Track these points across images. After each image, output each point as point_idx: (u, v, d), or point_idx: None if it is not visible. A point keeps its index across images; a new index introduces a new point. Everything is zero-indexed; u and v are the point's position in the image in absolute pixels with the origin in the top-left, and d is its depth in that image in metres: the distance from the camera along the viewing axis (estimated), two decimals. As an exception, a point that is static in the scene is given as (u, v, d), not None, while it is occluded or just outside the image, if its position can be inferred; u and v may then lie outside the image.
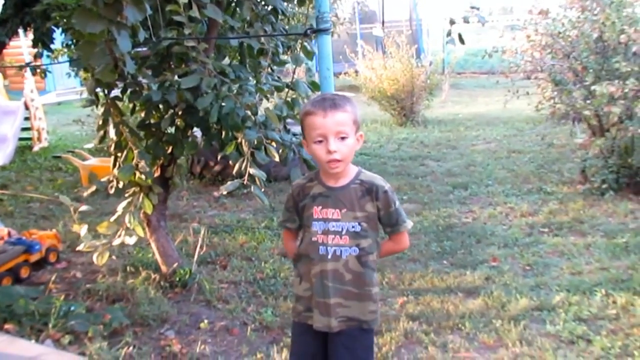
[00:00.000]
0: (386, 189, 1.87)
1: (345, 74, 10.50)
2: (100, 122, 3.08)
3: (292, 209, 1.96)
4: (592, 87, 4.64)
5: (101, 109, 3.04)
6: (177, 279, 3.44)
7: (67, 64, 5.69)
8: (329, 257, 1.84)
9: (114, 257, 3.75)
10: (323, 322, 1.86)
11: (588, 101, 4.77)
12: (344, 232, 1.83)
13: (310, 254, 1.88)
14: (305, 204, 1.89)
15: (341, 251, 1.84)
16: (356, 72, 10.43)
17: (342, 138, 1.77)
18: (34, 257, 3.78)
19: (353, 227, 1.83)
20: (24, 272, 3.68)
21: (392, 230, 1.92)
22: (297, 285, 1.95)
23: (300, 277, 1.93)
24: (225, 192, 2.67)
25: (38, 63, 5.20)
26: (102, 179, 3.26)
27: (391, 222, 1.90)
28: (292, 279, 1.97)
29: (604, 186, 4.90)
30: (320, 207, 1.85)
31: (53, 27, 4.34)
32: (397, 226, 1.91)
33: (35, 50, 4.62)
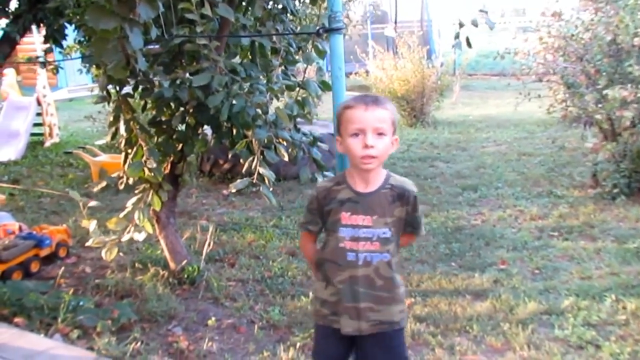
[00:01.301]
0: (415, 194, 1.88)
1: (356, 74, 10.49)
2: (112, 119, 3.10)
3: (315, 211, 1.90)
4: (605, 91, 4.60)
5: (113, 106, 3.05)
6: (186, 275, 3.46)
7: (79, 60, 5.74)
8: (360, 263, 1.82)
9: (122, 253, 3.79)
10: (353, 326, 1.86)
11: (600, 105, 4.73)
12: (374, 239, 1.82)
13: (337, 260, 1.85)
14: (332, 209, 1.85)
15: (372, 257, 1.82)
16: (367, 72, 10.41)
17: (380, 134, 1.76)
18: (44, 252, 3.81)
19: (384, 233, 1.82)
20: (34, 267, 3.71)
21: (412, 231, 1.94)
22: (322, 290, 1.92)
23: (326, 282, 1.90)
24: (234, 190, 2.67)
25: (50, 59, 5.24)
26: (113, 175, 3.29)
27: (413, 224, 1.92)
28: (316, 282, 1.94)
29: (615, 190, 4.85)
30: (349, 213, 1.82)
31: (66, 23, 4.37)
32: (417, 229, 1.95)
33: (47, 46, 4.65)
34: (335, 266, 1.86)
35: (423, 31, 14.02)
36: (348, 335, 1.88)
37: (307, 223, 1.94)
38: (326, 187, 1.87)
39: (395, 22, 15.88)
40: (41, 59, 5.57)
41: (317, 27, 2.07)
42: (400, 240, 1.95)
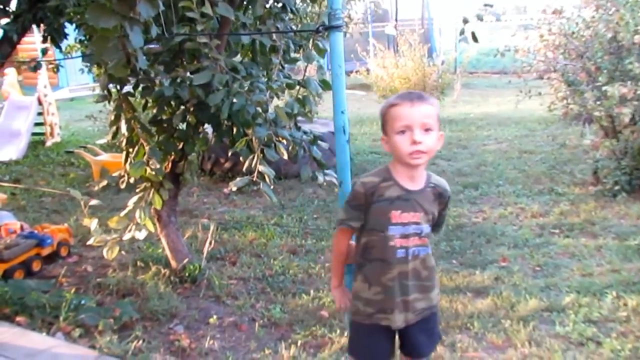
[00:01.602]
0: (450, 194, 1.93)
1: (357, 72, 10.49)
2: (113, 118, 3.10)
3: (361, 207, 1.83)
4: (604, 88, 4.60)
5: (113, 105, 3.06)
6: (187, 274, 3.46)
7: (80, 60, 5.74)
8: (410, 258, 1.83)
9: (124, 252, 3.79)
10: (402, 319, 1.88)
11: (599, 102, 4.73)
12: (422, 234, 1.84)
13: (386, 258, 1.83)
14: (381, 207, 1.80)
15: (419, 251, 1.85)
16: (368, 70, 10.42)
17: (427, 130, 1.75)
18: (46, 251, 3.82)
19: (427, 228, 1.86)
20: (36, 266, 3.72)
21: (434, 229, 1.95)
22: (366, 290, 1.89)
23: (369, 282, 1.88)
24: (234, 189, 2.67)
25: (50, 58, 5.23)
26: (114, 174, 3.29)
27: (439, 223, 1.95)
28: (356, 283, 1.93)
29: (616, 188, 4.85)
30: (399, 212, 1.79)
31: (66, 22, 4.36)
32: (440, 227, 1.99)
33: (45, 45, 4.65)
34: (383, 264, 1.84)
35: (424, 29, 14.00)
36: (396, 328, 1.90)
37: (348, 219, 1.86)
38: (374, 183, 1.82)
39: (396, 20, 15.87)
40: (40, 59, 5.56)
41: (317, 25, 2.07)
42: None
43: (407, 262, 1.83)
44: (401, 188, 1.80)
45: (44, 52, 4.90)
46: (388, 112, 1.80)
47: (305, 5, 3.63)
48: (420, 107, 1.74)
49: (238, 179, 2.72)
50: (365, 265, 1.89)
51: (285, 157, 2.77)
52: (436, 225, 1.94)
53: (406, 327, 1.91)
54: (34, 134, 8.26)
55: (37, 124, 8.31)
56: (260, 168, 2.71)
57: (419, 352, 1.99)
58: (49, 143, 8.25)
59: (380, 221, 1.80)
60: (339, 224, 1.90)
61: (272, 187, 2.77)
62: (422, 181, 1.84)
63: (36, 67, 4.63)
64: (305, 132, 3.11)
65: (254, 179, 2.74)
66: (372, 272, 1.87)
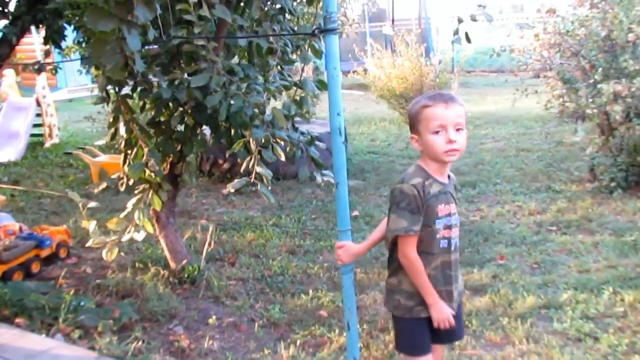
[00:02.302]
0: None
1: (354, 72, 10.50)
2: (111, 120, 3.12)
3: (420, 209, 1.86)
4: (599, 86, 4.62)
5: (112, 107, 3.07)
6: (186, 275, 3.48)
7: (79, 61, 5.75)
8: (452, 249, 1.93)
9: (123, 253, 3.80)
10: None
11: (592, 100, 4.75)
12: (458, 224, 1.96)
13: (431, 250, 1.90)
14: (430, 204, 1.87)
15: (457, 241, 1.96)
16: (365, 70, 10.42)
17: (459, 129, 1.85)
18: (45, 252, 3.83)
19: (458, 217, 1.97)
20: (35, 267, 3.73)
21: None
22: (408, 283, 1.93)
23: None
24: (232, 190, 2.69)
25: (49, 60, 5.24)
26: (113, 176, 3.30)
27: None
28: (397, 278, 1.96)
29: (613, 184, 4.88)
30: (442, 205, 1.89)
31: (65, 24, 4.38)
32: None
33: (46, 47, 4.66)
34: (428, 257, 1.90)
35: (421, 29, 14.02)
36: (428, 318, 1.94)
37: (413, 225, 1.86)
38: (421, 183, 1.87)
39: (393, 20, 15.88)
40: (42, 62, 5.57)
41: (313, 28, 2.09)
42: None
43: (449, 252, 1.93)
44: (439, 183, 1.90)
45: (47, 54, 4.91)
46: (422, 112, 1.87)
47: (301, 6, 3.64)
48: (454, 108, 1.84)
49: (236, 180, 2.73)
50: None
51: (283, 158, 2.79)
52: None
53: None
54: (32, 135, 8.27)
55: (35, 125, 8.32)
56: (258, 169, 2.73)
57: (452, 338, 2.11)
58: (47, 144, 8.26)
59: (430, 217, 1.88)
60: (404, 233, 1.86)
61: (270, 187, 2.79)
62: (446, 175, 1.95)
63: (40, 69, 4.65)
64: (302, 133, 3.13)
65: (252, 180, 2.75)
66: None
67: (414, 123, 1.91)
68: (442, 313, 1.91)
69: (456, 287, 1.97)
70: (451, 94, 1.90)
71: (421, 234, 1.88)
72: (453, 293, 1.95)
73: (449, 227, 1.91)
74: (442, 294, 1.92)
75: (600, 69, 4.83)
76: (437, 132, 1.84)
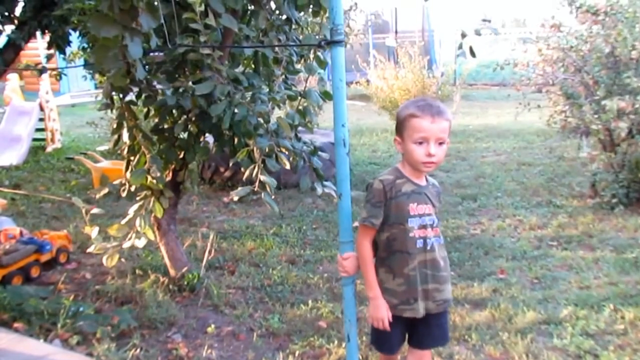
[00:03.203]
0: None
1: (357, 83, 10.54)
2: (115, 126, 3.12)
3: (381, 204, 1.97)
4: (603, 102, 4.63)
5: (116, 113, 3.08)
6: (186, 283, 3.47)
7: (82, 67, 5.77)
8: (428, 248, 2.00)
9: (123, 259, 3.79)
10: (423, 307, 2.01)
11: (596, 115, 4.77)
12: (435, 225, 2.04)
13: (407, 249, 1.98)
14: (400, 202, 1.97)
15: (435, 241, 2.03)
16: (367, 81, 10.46)
17: (440, 143, 1.95)
18: (45, 257, 3.83)
19: (438, 219, 2.06)
20: (35, 272, 3.72)
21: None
22: (390, 281, 2.02)
23: (394, 274, 2.01)
24: (236, 198, 2.69)
25: (53, 65, 5.27)
26: (114, 182, 3.30)
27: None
28: (380, 276, 2.04)
29: (614, 200, 4.88)
30: (415, 204, 1.98)
31: (70, 30, 4.40)
32: (438, 221, 2.12)
33: (50, 52, 4.69)
34: (405, 256, 1.98)
35: (424, 41, 14.08)
36: (410, 318, 2.03)
37: (371, 217, 1.99)
38: (390, 180, 1.99)
39: (396, 32, 15.95)
40: (44, 65, 5.60)
41: (319, 39, 2.10)
42: None
43: (425, 252, 1.99)
44: (413, 183, 2.00)
45: (49, 58, 4.94)
46: (408, 120, 1.96)
47: (306, 16, 3.66)
48: (440, 123, 1.93)
49: (239, 188, 2.73)
50: (388, 258, 2.02)
51: (287, 167, 2.79)
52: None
53: (424, 319, 2.03)
54: (34, 139, 8.28)
55: (38, 130, 8.32)
56: (262, 178, 2.73)
57: (428, 344, 2.14)
58: (49, 149, 8.26)
59: (401, 215, 1.97)
60: (361, 222, 2.00)
61: (272, 196, 2.79)
62: (425, 179, 2.07)
63: (41, 72, 4.69)
64: (305, 143, 3.13)
65: (255, 189, 2.75)
66: (395, 264, 2.01)
67: (399, 127, 2.00)
68: (377, 311, 1.99)
69: (436, 289, 2.01)
70: (439, 107, 1.96)
71: (395, 232, 1.98)
72: (430, 293, 2.00)
73: (424, 226, 1.99)
74: (420, 293, 1.99)
75: (603, 85, 4.84)
76: (419, 143, 1.93)
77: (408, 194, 1.97)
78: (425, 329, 2.08)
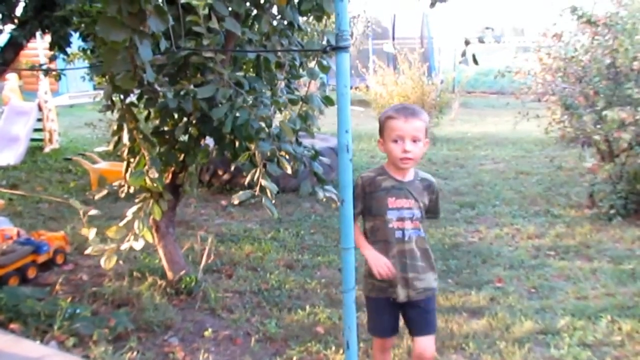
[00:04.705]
0: (436, 185, 2.33)
1: (356, 88, 10.55)
2: (115, 128, 3.11)
3: (358, 196, 2.20)
4: (604, 112, 4.65)
5: (116, 115, 3.07)
6: (183, 286, 3.45)
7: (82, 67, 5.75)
8: (406, 239, 2.20)
9: (121, 261, 3.77)
10: (404, 294, 2.23)
11: (598, 126, 4.78)
12: (414, 218, 2.22)
13: (388, 238, 2.20)
14: (379, 196, 2.20)
15: (413, 233, 2.22)
16: (367, 87, 10.48)
17: (415, 141, 2.16)
18: (42, 258, 3.81)
19: (420, 213, 2.23)
20: (31, 273, 3.70)
21: (433, 216, 2.37)
22: None
23: None
24: (237, 202, 2.68)
25: (54, 66, 5.26)
26: (113, 183, 3.29)
27: (435, 210, 2.35)
28: (367, 264, 2.25)
29: (612, 211, 4.89)
30: (394, 198, 2.20)
31: (71, 31, 4.39)
32: (437, 214, 2.39)
33: (51, 52, 4.68)
34: (387, 244, 2.21)
35: (424, 48, 14.12)
36: (399, 303, 2.25)
37: (354, 206, 2.16)
38: (370, 176, 2.24)
39: (393, 39, 16.01)
40: (44, 66, 5.59)
41: (323, 44, 2.11)
42: None
43: (404, 242, 2.20)
44: (394, 180, 2.22)
45: (52, 59, 4.93)
46: (385, 122, 2.21)
47: (308, 22, 3.66)
48: (413, 123, 2.15)
49: (241, 192, 2.72)
50: (375, 246, 2.23)
51: (289, 171, 2.79)
52: (431, 212, 2.32)
53: (408, 305, 2.26)
54: (32, 139, 8.26)
55: (36, 130, 8.31)
56: (263, 182, 2.73)
57: (422, 330, 2.32)
58: (47, 149, 8.24)
59: (381, 207, 2.20)
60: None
61: (273, 201, 2.79)
62: (411, 175, 2.26)
63: (46, 73, 4.68)
64: (306, 147, 3.13)
65: (256, 193, 2.74)
66: (380, 251, 2.20)
67: (380, 130, 2.25)
68: (377, 260, 2.18)
69: (416, 278, 2.22)
70: (414, 109, 2.20)
71: (377, 223, 2.22)
72: (410, 281, 2.21)
73: (402, 219, 2.19)
74: (400, 281, 2.21)
75: (603, 96, 4.86)
76: (395, 141, 2.16)
77: (387, 189, 2.20)
78: (416, 316, 2.29)
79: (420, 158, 2.24)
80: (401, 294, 2.22)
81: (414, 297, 2.23)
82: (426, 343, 2.29)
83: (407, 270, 2.21)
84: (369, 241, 2.24)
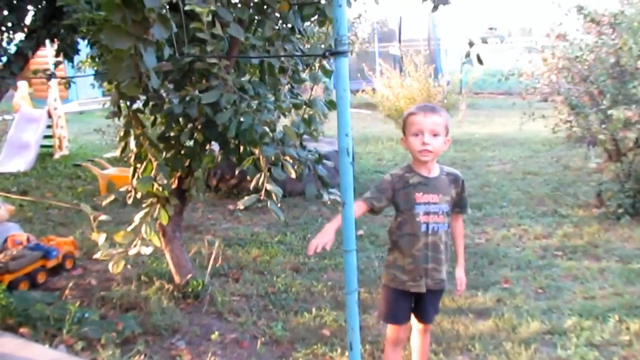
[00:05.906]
0: (463, 179, 2.44)
1: (362, 91, 10.57)
2: (122, 134, 3.15)
3: (385, 191, 2.33)
4: (609, 112, 4.63)
5: (123, 121, 3.11)
6: (190, 290, 3.48)
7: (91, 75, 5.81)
8: (430, 232, 2.31)
9: (128, 266, 3.80)
10: (425, 284, 2.35)
11: (604, 125, 4.76)
12: (440, 213, 2.32)
13: (415, 232, 2.31)
14: (407, 192, 2.31)
15: (438, 227, 2.33)
16: (373, 89, 10.49)
17: (434, 135, 2.26)
18: (51, 263, 3.86)
19: (446, 208, 2.34)
20: (41, 278, 3.75)
21: (461, 210, 2.48)
22: (402, 259, 2.36)
23: (404, 254, 2.35)
24: (242, 207, 2.71)
25: (62, 73, 5.31)
26: (121, 189, 3.33)
27: (462, 204, 2.46)
28: (392, 254, 2.41)
29: (620, 211, 4.86)
30: (421, 194, 2.30)
31: (79, 39, 4.44)
32: (465, 208, 2.49)
33: (57, 59, 4.73)
34: (413, 238, 2.32)
35: (430, 50, 14.12)
36: (414, 294, 2.37)
37: (372, 198, 2.34)
38: (399, 174, 2.36)
39: (400, 41, 16.01)
40: (53, 73, 5.64)
41: (324, 49, 2.13)
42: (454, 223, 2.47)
43: (428, 235, 2.31)
44: (421, 176, 2.33)
45: (56, 65, 4.99)
46: (407, 118, 2.33)
47: (312, 25, 3.69)
48: (432, 117, 2.27)
49: (246, 197, 2.75)
50: (400, 239, 2.35)
51: (293, 175, 2.81)
52: (459, 206, 2.44)
53: (420, 296, 2.38)
54: (42, 146, 8.35)
55: (46, 137, 8.40)
56: (268, 187, 2.75)
57: (429, 318, 2.51)
58: (57, 156, 8.33)
59: (409, 202, 2.31)
60: (362, 198, 2.33)
61: (279, 205, 2.81)
62: (437, 171, 2.37)
63: (49, 78, 4.75)
64: (310, 151, 3.15)
65: (261, 197, 2.77)
66: (405, 245, 2.34)
67: (403, 127, 2.36)
68: (322, 236, 2.18)
69: (435, 268, 2.34)
70: (434, 106, 2.34)
71: (405, 217, 2.33)
72: (430, 272, 2.33)
73: (428, 213, 2.30)
74: (421, 270, 2.33)
75: (608, 95, 4.84)
76: (416, 135, 2.27)
77: (415, 185, 2.31)
78: (426, 305, 2.43)
79: (441, 153, 2.32)
80: (423, 285, 2.34)
81: (431, 286, 2.35)
82: (429, 325, 2.54)
83: (428, 262, 2.32)
84: (397, 234, 2.35)
